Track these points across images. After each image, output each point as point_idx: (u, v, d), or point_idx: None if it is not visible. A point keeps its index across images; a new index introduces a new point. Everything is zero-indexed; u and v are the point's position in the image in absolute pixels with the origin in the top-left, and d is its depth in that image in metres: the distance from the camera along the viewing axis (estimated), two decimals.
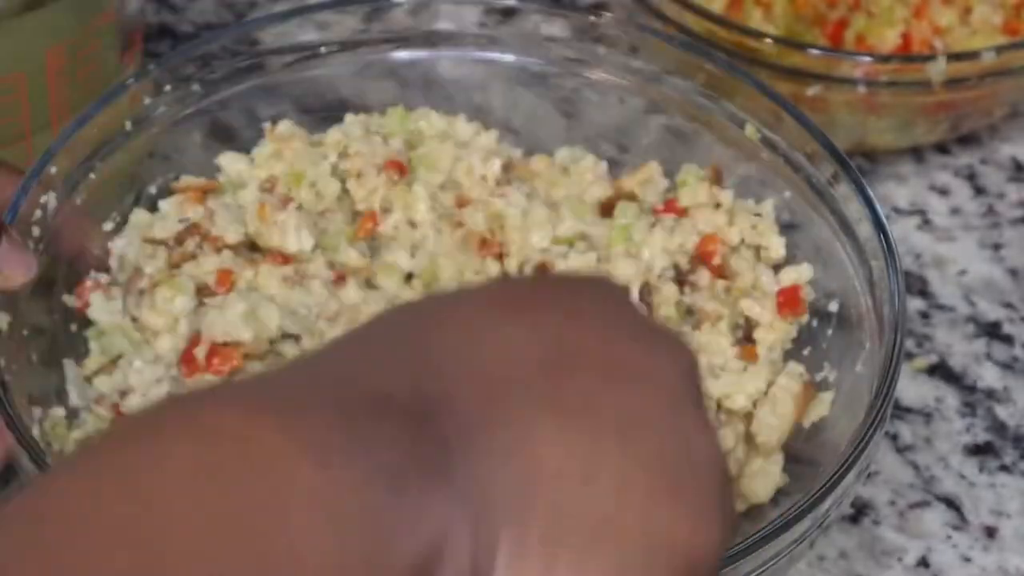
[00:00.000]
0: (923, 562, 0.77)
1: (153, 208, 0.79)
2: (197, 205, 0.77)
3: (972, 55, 0.88)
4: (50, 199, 0.75)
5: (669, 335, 0.51)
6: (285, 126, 0.80)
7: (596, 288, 0.52)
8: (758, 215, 0.79)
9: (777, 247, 0.78)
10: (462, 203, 0.79)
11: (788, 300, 0.76)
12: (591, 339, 0.49)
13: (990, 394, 0.83)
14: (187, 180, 0.79)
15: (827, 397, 0.74)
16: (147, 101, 0.79)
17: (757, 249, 0.78)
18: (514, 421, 0.47)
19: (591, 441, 0.47)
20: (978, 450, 0.81)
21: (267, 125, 0.80)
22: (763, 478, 0.72)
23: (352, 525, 0.43)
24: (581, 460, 0.47)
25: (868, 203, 0.75)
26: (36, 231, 0.74)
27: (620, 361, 0.49)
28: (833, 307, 0.76)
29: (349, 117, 0.82)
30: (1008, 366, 0.84)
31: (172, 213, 0.78)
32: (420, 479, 0.45)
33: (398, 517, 0.44)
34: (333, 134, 0.80)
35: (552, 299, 0.50)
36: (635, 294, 0.76)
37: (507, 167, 0.81)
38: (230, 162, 0.80)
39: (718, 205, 0.79)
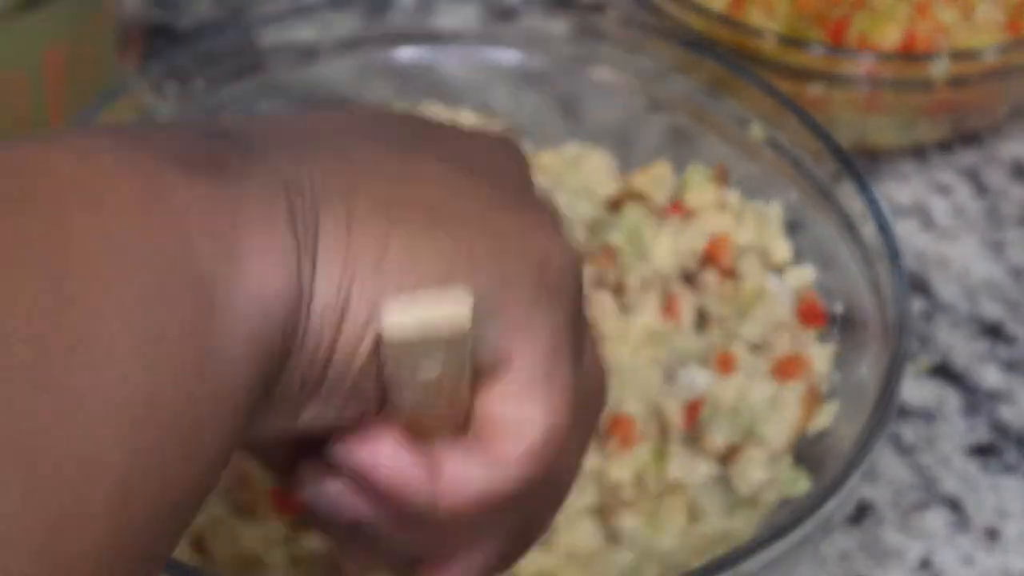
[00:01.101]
0: (925, 563, 0.77)
1: None
2: None
3: (975, 54, 0.88)
4: None
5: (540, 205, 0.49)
6: None
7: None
8: (764, 217, 0.79)
9: (783, 250, 0.78)
10: None
11: (807, 315, 0.76)
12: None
13: (992, 395, 0.83)
14: None
15: (831, 408, 0.73)
16: (150, 99, 0.79)
17: (763, 252, 0.78)
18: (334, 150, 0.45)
19: (409, 154, 0.46)
20: (980, 451, 0.81)
21: None
22: (769, 480, 0.72)
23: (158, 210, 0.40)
24: (402, 162, 0.45)
25: (872, 204, 0.74)
26: None
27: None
28: (838, 309, 0.76)
29: None
30: (1011, 366, 0.84)
31: None
32: (229, 163, 0.42)
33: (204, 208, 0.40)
34: None
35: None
36: (654, 298, 0.75)
37: None
38: None
39: (724, 206, 0.79)
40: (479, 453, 0.44)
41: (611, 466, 0.70)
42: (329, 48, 0.82)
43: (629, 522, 0.70)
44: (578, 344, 0.46)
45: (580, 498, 0.69)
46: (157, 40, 0.97)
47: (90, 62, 0.82)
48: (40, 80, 0.80)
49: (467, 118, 0.83)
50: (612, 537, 0.70)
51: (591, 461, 0.70)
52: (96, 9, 0.81)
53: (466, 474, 0.44)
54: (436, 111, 0.82)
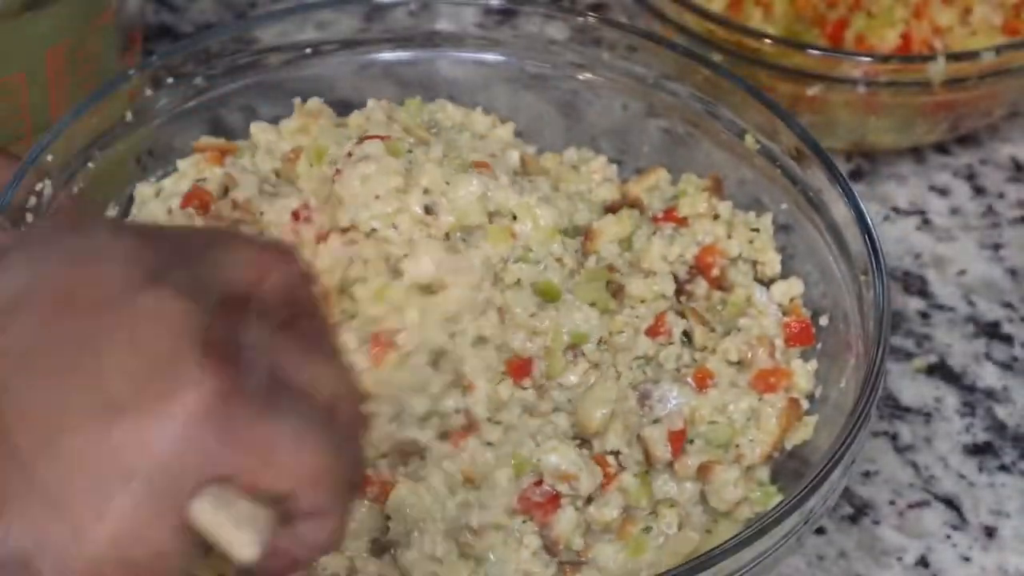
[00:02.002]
0: (922, 561, 0.77)
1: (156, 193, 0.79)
2: (214, 166, 0.78)
3: (972, 55, 0.88)
4: (46, 187, 0.75)
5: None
6: (314, 103, 0.80)
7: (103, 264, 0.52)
8: (756, 230, 0.78)
9: (773, 263, 0.77)
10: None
11: (798, 335, 0.75)
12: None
13: (989, 394, 0.83)
14: (207, 140, 0.80)
15: (811, 421, 0.73)
16: (148, 93, 0.79)
17: (753, 263, 0.78)
18: None
19: None
20: (977, 450, 0.81)
21: (297, 101, 0.80)
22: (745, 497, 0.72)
23: None
24: None
25: (858, 215, 0.74)
26: (29, 218, 0.74)
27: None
28: (823, 321, 0.75)
29: (371, 102, 0.81)
30: (1007, 366, 0.84)
31: (190, 172, 0.78)
32: None
33: None
34: (356, 118, 0.80)
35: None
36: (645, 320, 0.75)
37: (521, 162, 0.81)
38: (261, 131, 0.80)
39: (716, 216, 0.78)
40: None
41: (599, 509, 0.70)
42: (329, 47, 0.82)
43: (603, 553, 0.70)
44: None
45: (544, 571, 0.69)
46: (159, 42, 0.97)
47: (92, 62, 0.82)
48: (41, 81, 0.80)
49: (480, 116, 0.82)
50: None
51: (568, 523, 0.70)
52: (97, 10, 0.81)
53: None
54: (450, 107, 0.82)
